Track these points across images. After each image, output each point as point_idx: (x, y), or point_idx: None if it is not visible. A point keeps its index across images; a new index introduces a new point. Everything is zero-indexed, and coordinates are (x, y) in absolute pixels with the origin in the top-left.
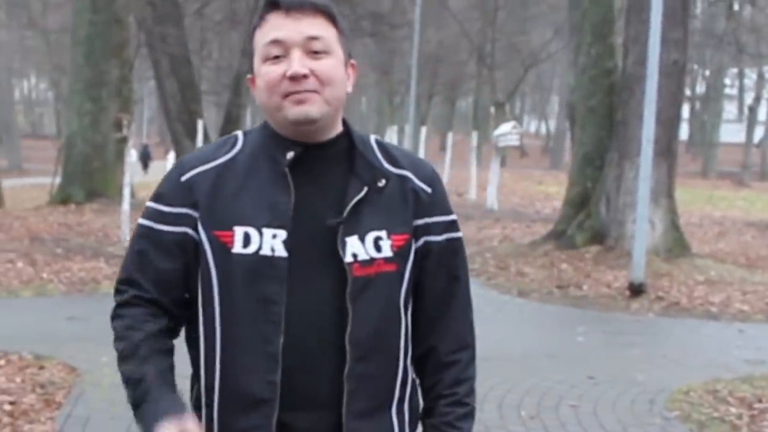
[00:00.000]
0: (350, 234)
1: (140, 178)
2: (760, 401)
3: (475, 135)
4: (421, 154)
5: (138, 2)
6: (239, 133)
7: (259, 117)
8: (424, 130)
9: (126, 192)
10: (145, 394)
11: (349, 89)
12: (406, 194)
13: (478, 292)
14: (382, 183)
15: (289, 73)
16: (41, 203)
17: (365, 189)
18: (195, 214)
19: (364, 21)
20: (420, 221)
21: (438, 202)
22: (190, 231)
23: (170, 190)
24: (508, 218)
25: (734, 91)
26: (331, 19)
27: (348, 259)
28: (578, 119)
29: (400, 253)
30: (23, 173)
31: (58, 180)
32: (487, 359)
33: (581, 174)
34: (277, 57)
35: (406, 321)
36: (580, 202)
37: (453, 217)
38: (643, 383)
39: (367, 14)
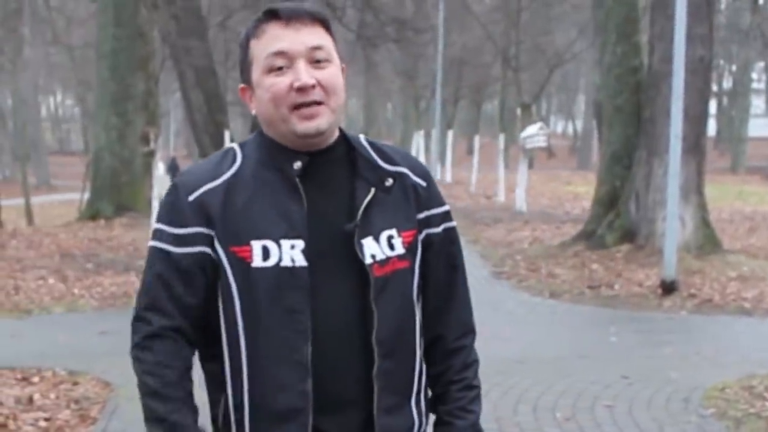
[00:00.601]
0: (365, 236)
1: None
2: None
3: (502, 137)
4: (448, 158)
5: (162, 16)
6: (235, 146)
7: None
8: (450, 134)
9: (155, 205)
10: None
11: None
12: (407, 190)
13: (509, 294)
14: (389, 182)
15: (297, 85)
16: (70, 219)
17: (373, 190)
18: (210, 232)
19: (387, 27)
20: (421, 215)
21: (433, 194)
22: (207, 250)
23: (179, 211)
24: (538, 220)
25: (761, 86)
26: (327, 26)
27: (368, 260)
28: (605, 118)
29: (411, 249)
30: (52, 190)
31: (86, 195)
32: (520, 361)
33: (610, 173)
34: (280, 68)
35: (419, 314)
36: (609, 202)
37: (447, 207)
38: (678, 381)
39: (390, 20)
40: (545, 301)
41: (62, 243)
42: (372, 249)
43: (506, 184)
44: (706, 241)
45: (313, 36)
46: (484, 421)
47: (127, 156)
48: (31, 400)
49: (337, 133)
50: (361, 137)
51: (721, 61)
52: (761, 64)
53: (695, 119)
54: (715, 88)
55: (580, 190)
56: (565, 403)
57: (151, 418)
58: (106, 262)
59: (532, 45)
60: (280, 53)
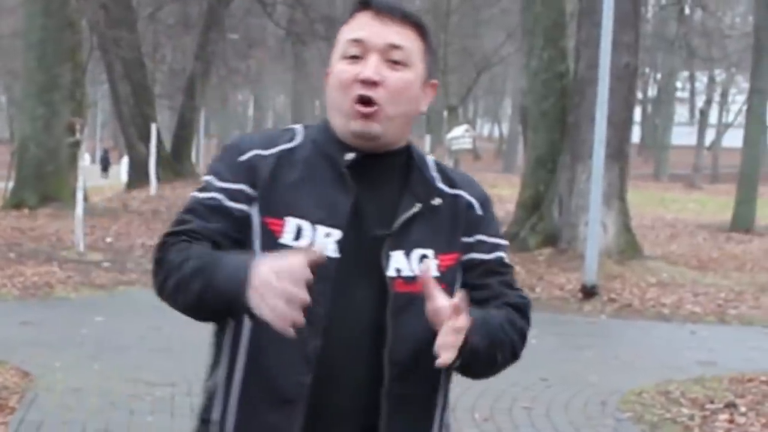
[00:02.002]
0: (396, 248)
1: (98, 182)
2: (711, 402)
3: (428, 139)
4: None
5: (91, 5)
6: (299, 127)
7: (213, 120)
8: None
9: (79, 196)
10: (216, 259)
11: (424, 108)
12: (458, 215)
13: None
14: (436, 202)
15: (361, 77)
16: None
17: (418, 206)
18: (254, 193)
19: (317, 24)
20: (469, 239)
21: (489, 223)
22: (248, 209)
23: (229, 167)
24: None
25: (685, 94)
26: (420, 32)
27: (391, 273)
28: (531, 122)
29: (449, 273)
30: None
31: (11, 184)
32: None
33: (534, 177)
34: (354, 57)
35: None
36: (532, 205)
37: (502, 241)
38: (596, 385)
39: (320, 18)
40: None
41: None
42: (399, 263)
43: None
44: (628, 246)
45: (397, 34)
46: None
47: (52, 146)
48: None
49: (401, 144)
50: (430, 157)
51: (647, 69)
52: (686, 74)
53: (619, 125)
54: (639, 95)
55: (505, 193)
56: (483, 403)
57: (186, 279)
58: (28, 251)
59: (460, 47)
60: (356, 41)
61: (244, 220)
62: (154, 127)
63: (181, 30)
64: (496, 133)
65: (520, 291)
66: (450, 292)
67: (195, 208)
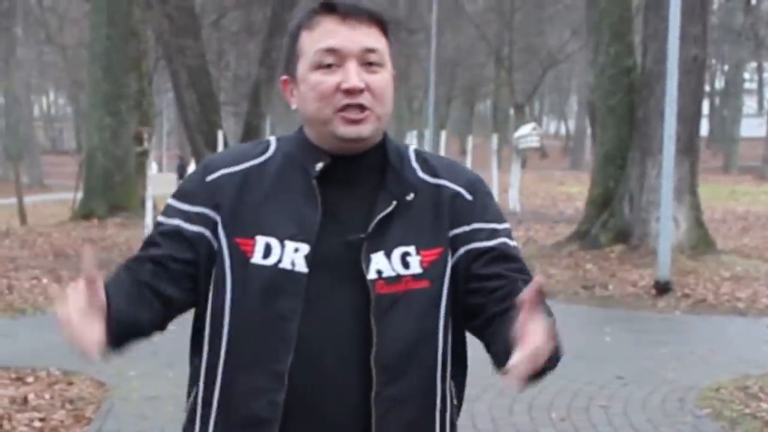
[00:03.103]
0: (376, 250)
1: (167, 190)
2: None
3: (495, 138)
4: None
5: (155, 15)
6: (272, 139)
7: (279, 127)
8: (443, 134)
9: (149, 205)
10: None
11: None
12: (441, 205)
13: None
14: (410, 197)
15: (345, 86)
16: (64, 219)
17: (394, 203)
18: (216, 216)
19: None
20: (458, 230)
21: (481, 208)
22: (207, 233)
23: (193, 189)
24: (531, 220)
25: (754, 86)
26: (385, 29)
27: (371, 275)
28: (599, 119)
29: (433, 269)
30: (45, 189)
31: (79, 195)
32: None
33: (603, 173)
34: (329, 66)
35: (444, 341)
36: (602, 202)
37: (500, 225)
38: (673, 382)
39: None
40: None
41: (56, 242)
42: (380, 264)
43: (499, 184)
44: (700, 241)
45: (369, 37)
46: (480, 422)
47: (120, 155)
48: (25, 400)
49: (377, 140)
50: (411, 148)
51: (714, 61)
52: (753, 64)
53: (688, 119)
54: (707, 88)
55: (573, 191)
56: (560, 403)
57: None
58: (99, 261)
59: (525, 45)
60: (331, 50)
61: (201, 242)
62: (220, 134)
63: (245, 37)
64: (563, 131)
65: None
66: (437, 289)
67: (149, 240)
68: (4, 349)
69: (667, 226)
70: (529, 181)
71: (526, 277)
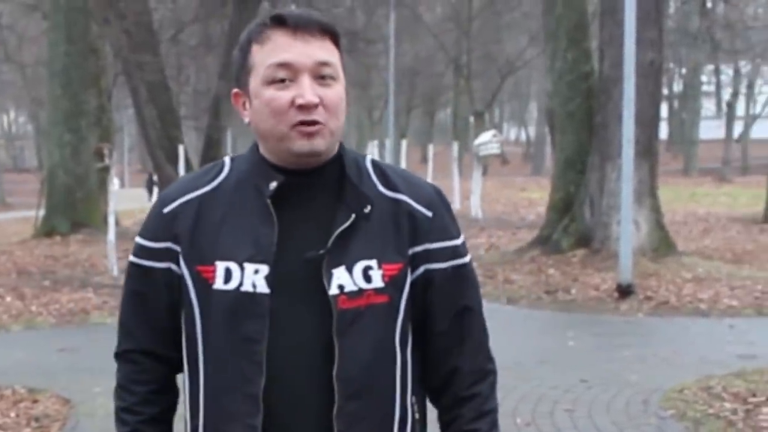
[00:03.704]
0: (337, 265)
1: (129, 206)
2: (754, 395)
3: (455, 145)
4: (403, 167)
5: (113, 31)
6: (226, 159)
7: (241, 140)
8: (404, 143)
9: (111, 221)
10: None
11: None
12: (399, 220)
13: None
14: (367, 209)
15: (300, 101)
16: (26, 236)
17: (353, 216)
18: (176, 248)
19: (340, 39)
20: (418, 248)
21: (439, 226)
22: (173, 266)
23: (154, 224)
24: (493, 226)
25: (711, 88)
26: (336, 41)
27: (333, 291)
28: (558, 124)
29: (393, 284)
30: (6, 207)
31: (41, 212)
32: None
33: (563, 178)
34: (282, 81)
35: (403, 357)
36: (564, 207)
37: (458, 241)
38: (637, 384)
39: (341, 32)
40: (503, 307)
41: (18, 260)
42: (342, 279)
43: (461, 191)
44: (661, 243)
45: (321, 50)
46: None
47: (81, 172)
48: None
49: (333, 153)
50: (368, 159)
51: (671, 65)
52: (711, 67)
53: (647, 123)
54: (665, 91)
55: (535, 196)
56: (525, 408)
57: None
58: (63, 278)
59: (484, 53)
60: (284, 65)
61: (172, 278)
62: (181, 149)
63: (203, 51)
64: (523, 137)
65: (486, 345)
66: (396, 305)
67: (133, 294)
68: None
69: (628, 229)
70: (491, 188)
71: (470, 304)
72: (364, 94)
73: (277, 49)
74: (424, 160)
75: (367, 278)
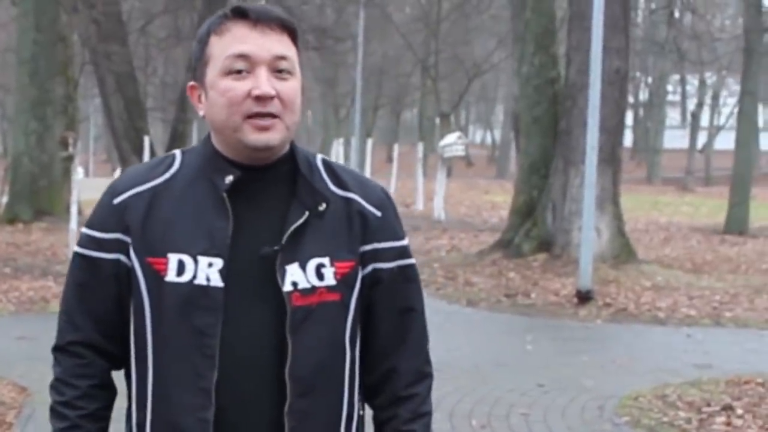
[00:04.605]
0: (290, 261)
1: (92, 195)
2: (708, 405)
3: (420, 146)
4: (368, 166)
5: (82, 20)
6: (177, 152)
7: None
8: (370, 142)
9: (73, 210)
10: None
11: None
12: (351, 218)
13: (427, 302)
14: (322, 207)
15: (256, 93)
16: None
17: (306, 214)
18: (126, 239)
19: (308, 35)
20: (367, 247)
21: (388, 226)
22: (122, 258)
23: (103, 215)
24: (456, 228)
25: (677, 98)
26: (294, 37)
27: (287, 288)
28: (523, 128)
29: (345, 282)
30: None
31: (4, 199)
32: (437, 369)
33: (527, 183)
34: (239, 72)
35: (351, 355)
36: (526, 211)
37: (404, 242)
38: (593, 389)
39: (310, 28)
40: (462, 309)
41: None
42: (295, 276)
43: (425, 192)
44: (622, 251)
45: (279, 44)
46: None
47: (46, 160)
48: None
49: (286, 150)
50: (318, 157)
51: (638, 73)
52: (676, 77)
53: (611, 130)
54: (631, 99)
55: (498, 200)
56: (481, 410)
57: (52, 429)
58: (23, 266)
59: (452, 55)
60: (242, 56)
61: (120, 269)
62: (147, 141)
63: (172, 42)
64: (489, 140)
65: (425, 348)
66: (346, 303)
67: (73, 285)
68: None
69: (589, 235)
70: (455, 190)
71: (413, 304)
72: (330, 91)
73: (236, 40)
74: (390, 159)
75: (320, 276)
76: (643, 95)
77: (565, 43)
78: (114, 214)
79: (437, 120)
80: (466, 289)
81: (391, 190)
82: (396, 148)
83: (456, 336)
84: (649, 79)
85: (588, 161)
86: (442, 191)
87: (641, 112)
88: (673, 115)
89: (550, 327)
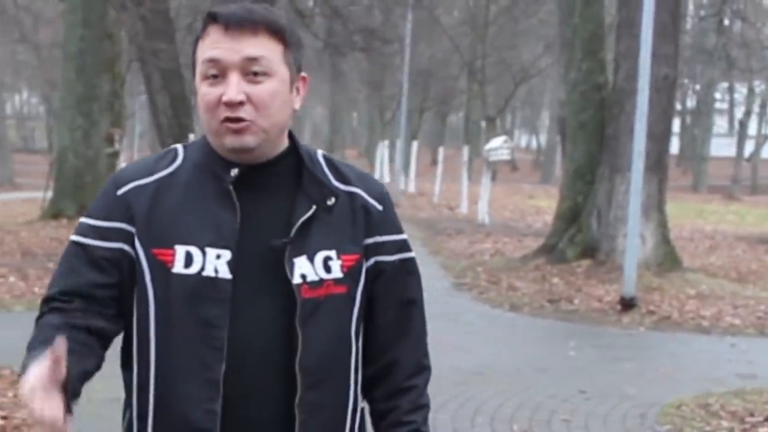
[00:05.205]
0: (298, 254)
1: None
2: (751, 415)
3: (466, 149)
4: (412, 169)
5: (130, 17)
6: (179, 147)
7: None
8: (415, 144)
9: None
10: (31, 347)
11: (296, 106)
12: (356, 212)
13: (469, 306)
14: (331, 201)
15: (224, 99)
16: (33, 218)
17: (314, 207)
18: (131, 229)
19: (355, 36)
20: (370, 240)
21: (389, 220)
22: (126, 247)
23: (106, 205)
24: (500, 232)
25: (725, 106)
26: (276, 34)
27: (296, 280)
28: (569, 134)
29: (351, 274)
30: (15, 188)
31: (49, 194)
32: (479, 373)
33: (572, 188)
34: (215, 77)
35: (356, 347)
36: (571, 217)
37: (404, 236)
38: (635, 397)
39: (358, 29)
40: (505, 313)
41: (24, 241)
42: (303, 269)
43: (469, 196)
44: (666, 258)
45: (251, 46)
46: None
47: (91, 156)
48: None
49: (285, 145)
50: (319, 153)
51: (686, 80)
52: (725, 85)
53: (658, 137)
54: (678, 106)
55: (543, 204)
56: (522, 415)
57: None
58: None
59: (499, 59)
60: (212, 60)
61: (122, 258)
62: (192, 138)
63: None
64: (534, 145)
65: (425, 341)
66: (352, 295)
67: (65, 262)
68: None
69: (634, 242)
70: (499, 194)
71: (414, 296)
72: (376, 93)
73: (210, 45)
74: (434, 162)
75: (327, 268)
76: (691, 102)
77: (612, 49)
78: (118, 205)
79: (483, 123)
80: (510, 293)
81: (436, 193)
82: (441, 151)
83: (498, 340)
84: (697, 87)
85: (634, 168)
86: (487, 195)
87: (688, 119)
88: (720, 123)
89: (593, 333)
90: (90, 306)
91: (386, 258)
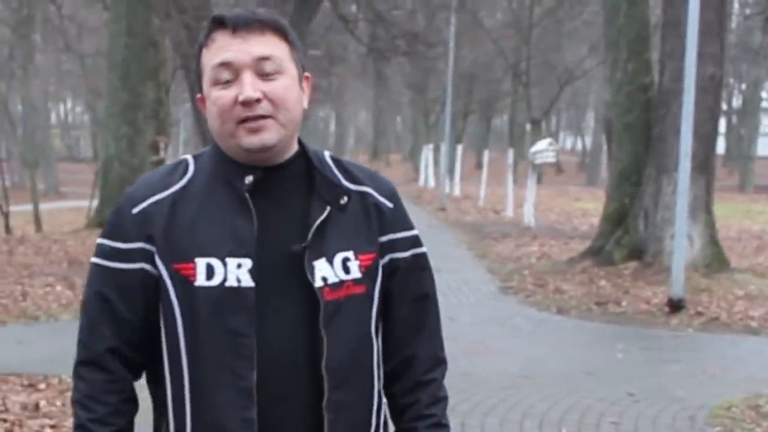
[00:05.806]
0: (318, 257)
1: None
2: None
3: (511, 152)
4: (457, 172)
5: (174, 25)
6: (189, 158)
7: None
8: (460, 148)
9: None
10: None
11: (305, 105)
12: (368, 211)
13: (516, 309)
14: (344, 200)
15: (241, 98)
16: (79, 226)
17: (328, 208)
18: (151, 248)
19: (399, 40)
20: (384, 238)
21: (400, 217)
22: (147, 266)
23: (122, 225)
24: (546, 235)
25: None
26: (281, 34)
27: (318, 283)
28: (615, 135)
29: (369, 274)
30: (60, 197)
31: (95, 203)
32: (526, 377)
33: (618, 190)
34: (227, 81)
35: (377, 344)
36: (617, 218)
37: (416, 232)
38: (684, 399)
39: (401, 33)
40: (552, 316)
41: (70, 250)
42: (324, 271)
43: (515, 199)
44: (714, 259)
45: (261, 45)
46: None
47: (136, 164)
48: (37, 406)
49: (295, 148)
50: (326, 154)
51: (731, 80)
52: None
53: (705, 137)
54: (724, 106)
55: (589, 207)
56: (571, 419)
57: None
58: None
59: (543, 61)
60: (224, 64)
61: (146, 279)
62: None
63: None
64: (579, 146)
65: (440, 334)
66: (371, 294)
67: (99, 296)
68: (16, 356)
69: (682, 243)
70: (545, 196)
71: (428, 291)
72: (420, 97)
73: (219, 50)
74: (479, 165)
75: (346, 269)
76: (737, 102)
77: (658, 49)
78: (135, 224)
79: (528, 126)
80: (556, 296)
81: (481, 197)
82: (486, 154)
83: (546, 344)
84: (743, 86)
85: (681, 168)
86: (532, 198)
87: (734, 119)
88: (767, 122)
89: (641, 336)
90: (125, 341)
91: (400, 254)
